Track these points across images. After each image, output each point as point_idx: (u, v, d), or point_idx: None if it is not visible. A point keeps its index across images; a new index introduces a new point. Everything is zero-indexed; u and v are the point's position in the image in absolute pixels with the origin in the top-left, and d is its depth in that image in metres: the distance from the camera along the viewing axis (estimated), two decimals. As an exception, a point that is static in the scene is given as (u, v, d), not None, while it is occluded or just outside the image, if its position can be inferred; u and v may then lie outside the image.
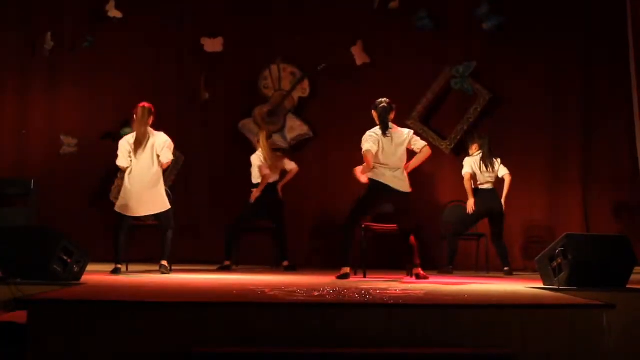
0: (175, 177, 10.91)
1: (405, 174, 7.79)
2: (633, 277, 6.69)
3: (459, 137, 10.75)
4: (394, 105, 7.90)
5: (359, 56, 10.97)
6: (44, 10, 11.08)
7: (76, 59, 11.04)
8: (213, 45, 11.09)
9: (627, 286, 6.57)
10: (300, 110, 11.09)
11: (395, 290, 6.05)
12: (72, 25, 11.05)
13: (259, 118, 10.96)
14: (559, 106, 10.82)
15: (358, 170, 7.81)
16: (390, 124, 7.81)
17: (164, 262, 8.33)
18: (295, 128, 11.00)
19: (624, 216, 10.63)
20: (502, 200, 9.56)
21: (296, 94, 11.09)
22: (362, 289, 5.94)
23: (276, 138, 10.80)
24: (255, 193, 9.69)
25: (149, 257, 9.28)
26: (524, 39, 10.78)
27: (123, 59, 11.00)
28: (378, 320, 4.74)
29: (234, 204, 10.35)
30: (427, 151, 7.86)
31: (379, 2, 10.98)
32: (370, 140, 7.70)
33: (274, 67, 11.09)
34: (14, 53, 11.06)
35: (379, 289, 6.13)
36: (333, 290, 5.79)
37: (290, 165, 9.96)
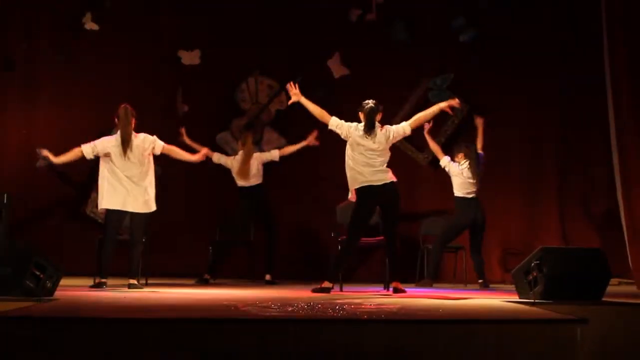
0: (152, 190, 10.85)
1: (385, 166, 7.82)
2: (610, 289, 6.71)
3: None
4: (381, 107, 7.94)
5: (337, 69, 10.97)
6: (19, 23, 10.99)
7: (52, 72, 10.97)
8: (190, 57, 11.07)
9: (603, 299, 6.58)
10: (278, 123, 11.08)
11: (370, 305, 6.02)
12: (48, 38, 10.98)
13: (237, 131, 10.94)
14: (535, 118, 10.87)
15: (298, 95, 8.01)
16: (377, 124, 7.83)
17: (134, 281, 8.16)
18: (273, 141, 10.97)
19: (601, 229, 10.65)
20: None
21: (273, 107, 11.08)
22: (336, 304, 5.91)
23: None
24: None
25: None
26: (500, 51, 10.83)
27: (99, 71, 10.94)
28: (351, 336, 4.70)
29: (211, 217, 10.33)
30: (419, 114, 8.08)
31: (356, 15, 10.99)
32: (342, 124, 7.90)
33: (251, 80, 11.09)
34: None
35: (354, 303, 6.10)
36: (307, 305, 5.75)
37: (273, 154, 9.99)
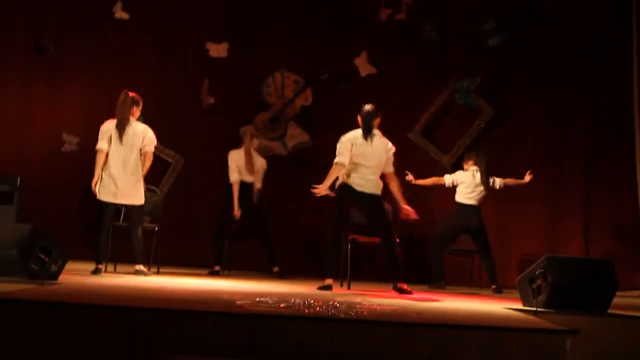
0: (174, 180, 10.94)
1: (377, 178, 7.79)
2: (624, 301, 6.60)
3: (460, 152, 10.66)
4: (379, 112, 7.88)
5: (363, 67, 10.95)
6: (50, 9, 11.10)
7: (81, 58, 11.07)
8: (218, 50, 11.11)
9: (610, 311, 6.49)
10: (302, 118, 11.09)
11: (367, 304, 5.99)
12: (79, 24, 11.09)
13: (261, 125, 10.97)
14: (562, 124, 10.73)
15: (321, 188, 7.74)
16: (375, 131, 7.80)
17: (140, 267, 8.21)
18: (296, 136, 10.99)
19: (626, 241, 10.52)
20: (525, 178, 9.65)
21: (298, 102, 11.09)
22: (331, 302, 5.89)
23: (276, 145, 10.81)
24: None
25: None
26: (529, 56, 10.71)
27: (128, 60, 11.03)
28: (334, 336, 4.68)
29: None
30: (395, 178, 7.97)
31: (385, 14, 10.95)
32: (344, 149, 7.75)
33: (277, 75, 11.10)
34: (20, 51, 11.09)
35: (352, 302, 6.08)
36: (303, 302, 5.74)
37: (256, 184, 9.93)
